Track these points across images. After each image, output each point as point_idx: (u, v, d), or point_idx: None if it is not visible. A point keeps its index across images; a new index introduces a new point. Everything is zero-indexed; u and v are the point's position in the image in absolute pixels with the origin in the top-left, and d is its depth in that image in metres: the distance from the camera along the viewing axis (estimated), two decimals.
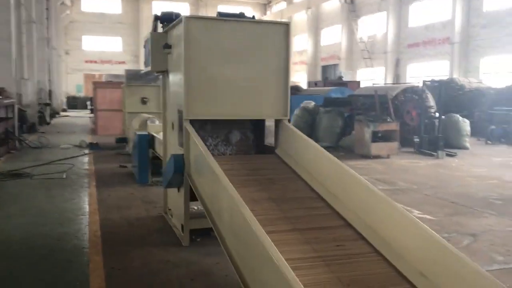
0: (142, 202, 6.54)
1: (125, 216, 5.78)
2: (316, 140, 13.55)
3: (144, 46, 5.95)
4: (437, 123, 12.41)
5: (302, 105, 14.30)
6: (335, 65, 34.77)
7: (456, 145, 12.80)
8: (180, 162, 4.51)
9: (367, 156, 11.07)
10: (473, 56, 23.11)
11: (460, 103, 17.19)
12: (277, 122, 4.96)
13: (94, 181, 8.01)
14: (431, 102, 13.73)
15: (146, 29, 34.85)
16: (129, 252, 4.55)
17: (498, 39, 21.46)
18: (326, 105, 14.43)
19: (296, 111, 14.23)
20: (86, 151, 11.94)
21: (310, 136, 14.59)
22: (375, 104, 12.91)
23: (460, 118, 13.37)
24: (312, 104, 14.31)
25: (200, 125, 4.87)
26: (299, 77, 38.45)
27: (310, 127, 13.96)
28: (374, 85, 17.75)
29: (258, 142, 5.30)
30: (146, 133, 7.67)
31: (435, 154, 11.21)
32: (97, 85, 17.40)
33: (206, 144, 4.60)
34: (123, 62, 40.71)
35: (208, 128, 5.01)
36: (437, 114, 12.95)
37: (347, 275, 2.85)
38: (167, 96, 5.61)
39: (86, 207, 6.24)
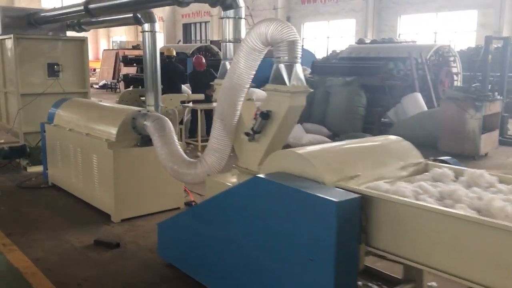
0: None
1: None
2: (328, 128, 9.02)
3: None
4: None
5: None
6: (205, 23, 29.61)
7: None
8: None
9: (470, 156, 6.98)
10: (387, 14, 20.65)
11: None
12: None
13: None
14: (458, 67, 10.27)
15: None
16: None
17: None
18: (317, 73, 9.82)
19: None
20: None
21: (307, 120, 9.95)
22: (410, 71, 8.91)
23: None
24: (307, 71, 9.56)
25: None
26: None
27: (308, 105, 9.26)
28: (359, 45, 13.32)
29: None
30: (354, 194, 2.23)
31: None
32: None
33: None
34: None
35: None
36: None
37: None
38: None
39: None
